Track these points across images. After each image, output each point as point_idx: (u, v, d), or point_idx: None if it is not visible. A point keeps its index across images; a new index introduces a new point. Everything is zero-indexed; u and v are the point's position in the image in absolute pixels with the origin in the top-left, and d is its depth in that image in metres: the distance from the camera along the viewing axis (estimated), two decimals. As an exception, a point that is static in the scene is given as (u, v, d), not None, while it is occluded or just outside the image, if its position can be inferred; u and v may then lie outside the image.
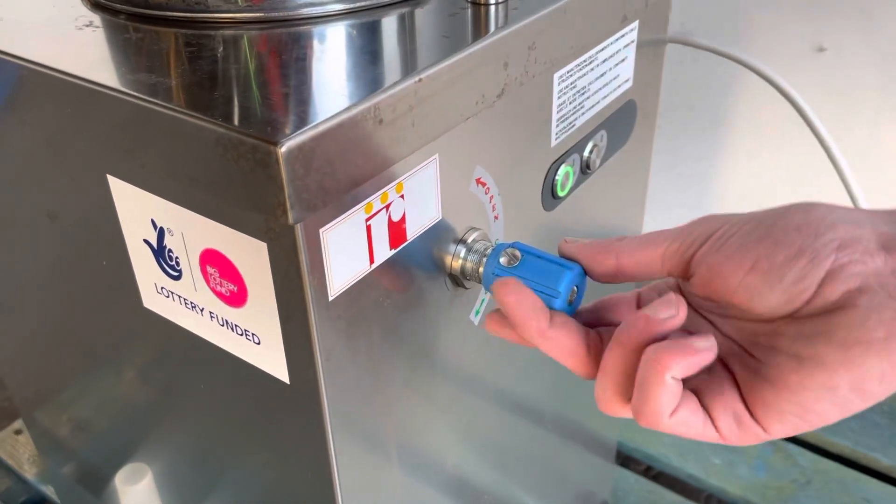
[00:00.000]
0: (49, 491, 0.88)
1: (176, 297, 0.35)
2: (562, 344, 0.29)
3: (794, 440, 0.90)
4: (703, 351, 0.26)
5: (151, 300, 0.37)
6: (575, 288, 0.31)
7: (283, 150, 0.26)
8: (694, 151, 1.09)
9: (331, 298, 0.30)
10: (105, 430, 0.52)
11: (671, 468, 0.88)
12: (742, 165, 1.07)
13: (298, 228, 0.28)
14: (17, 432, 0.96)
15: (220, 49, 0.34)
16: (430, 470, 0.43)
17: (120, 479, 0.57)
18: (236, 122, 0.27)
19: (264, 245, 0.29)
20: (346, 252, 0.30)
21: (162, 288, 0.36)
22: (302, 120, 0.27)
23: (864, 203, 0.72)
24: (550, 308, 0.30)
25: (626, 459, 0.91)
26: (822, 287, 0.25)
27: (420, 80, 0.30)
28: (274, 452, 0.38)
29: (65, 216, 0.38)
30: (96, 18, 0.38)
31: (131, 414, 0.47)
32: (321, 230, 0.29)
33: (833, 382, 0.25)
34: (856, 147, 0.95)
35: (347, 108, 0.28)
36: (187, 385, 0.40)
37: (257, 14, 0.37)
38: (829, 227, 0.25)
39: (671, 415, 0.26)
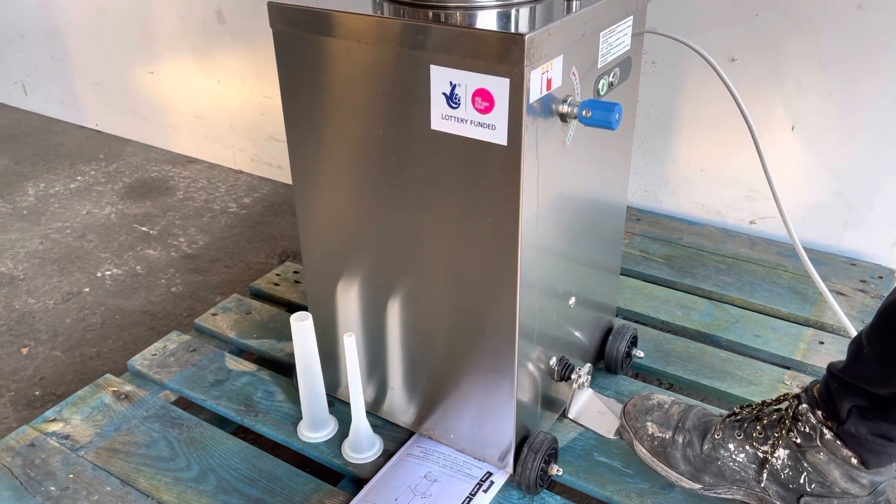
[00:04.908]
0: (251, 342, 1.34)
1: (453, 118, 0.84)
2: None
3: (727, 301, 1.40)
4: None
5: (437, 124, 0.86)
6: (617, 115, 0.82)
7: (527, 37, 0.76)
8: (647, 140, 1.62)
9: (531, 103, 0.80)
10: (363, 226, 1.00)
11: (649, 318, 1.38)
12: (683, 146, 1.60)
13: (526, 70, 0.78)
14: (214, 314, 1.41)
15: (467, 17, 0.85)
16: (551, 212, 0.92)
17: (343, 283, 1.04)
18: (508, 30, 0.77)
19: (507, 80, 0.79)
20: (535, 85, 0.80)
21: (445, 115, 0.85)
22: (528, 29, 0.77)
23: (771, 162, 1.22)
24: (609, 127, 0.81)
25: (622, 314, 1.40)
26: None
27: (560, 23, 0.81)
28: (485, 192, 0.86)
29: (393, 91, 0.87)
30: (389, 6, 0.88)
31: (393, 211, 0.95)
32: (531, 72, 0.79)
33: None
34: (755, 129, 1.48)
35: (542, 28, 0.78)
36: (442, 171, 0.89)
37: (461, 3, 0.88)
38: None
39: None
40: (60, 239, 2.03)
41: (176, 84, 2.33)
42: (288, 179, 2.25)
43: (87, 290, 1.81)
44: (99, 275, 1.87)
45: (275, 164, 2.26)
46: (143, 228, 2.07)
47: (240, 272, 1.85)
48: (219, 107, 2.26)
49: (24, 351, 1.60)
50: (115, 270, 1.88)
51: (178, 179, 2.33)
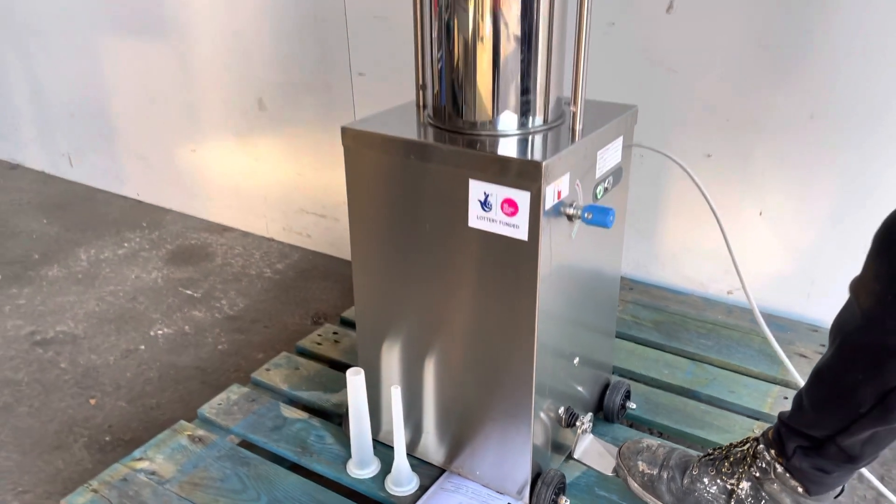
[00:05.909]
0: (301, 394, 1.56)
1: (485, 219, 1.09)
2: None
3: (707, 362, 1.64)
4: None
5: (473, 222, 1.11)
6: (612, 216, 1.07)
7: (544, 164, 1.02)
8: (638, 220, 1.88)
9: (546, 209, 1.05)
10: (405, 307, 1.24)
11: (641, 375, 1.61)
12: (670, 225, 1.86)
13: (542, 186, 1.03)
14: (268, 369, 1.64)
15: (495, 143, 1.11)
16: (560, 298, 1.16)
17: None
18: (527, 157, 1.03)
19: (528, 192, 1.04)
20: (549, 196, 1.05)
21: (479, 216, 1.10)
22: (542, 157, 1.03)
23: (736, 245, 1.48)
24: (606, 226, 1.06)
25: (618, 372, 1.63)
26: None
27: (567, 150, 1.07)
28: (509, 275, 1.11)
29: (438, 196, 1.13)
30: (434, 132, 1.14)
31: (427, 292, 1.20)
32: (546, 187, 1.04)
33: None
34: (729, 214, 1.74)
35: (554, 155, 1.04)
36: (475, 258, 1.13)
37: (490, 132, 1.14)
38: None
39: None
40: (114, 301, 2.27)
41: (216, 161, 2.60)
42: (316, 247, 2.51)
43: (142, 347, 2.04)
44: (152, 333, 2.10)
45: (304, 234, 2.51)
46: (188, 292, 2.31)
47: (278, 332, 2.09)
48: (255, 181, 2.53)
49: (93, 402, 1.82)
50: (166, 330, 2.12)
51: (215, 246, 2.58)
